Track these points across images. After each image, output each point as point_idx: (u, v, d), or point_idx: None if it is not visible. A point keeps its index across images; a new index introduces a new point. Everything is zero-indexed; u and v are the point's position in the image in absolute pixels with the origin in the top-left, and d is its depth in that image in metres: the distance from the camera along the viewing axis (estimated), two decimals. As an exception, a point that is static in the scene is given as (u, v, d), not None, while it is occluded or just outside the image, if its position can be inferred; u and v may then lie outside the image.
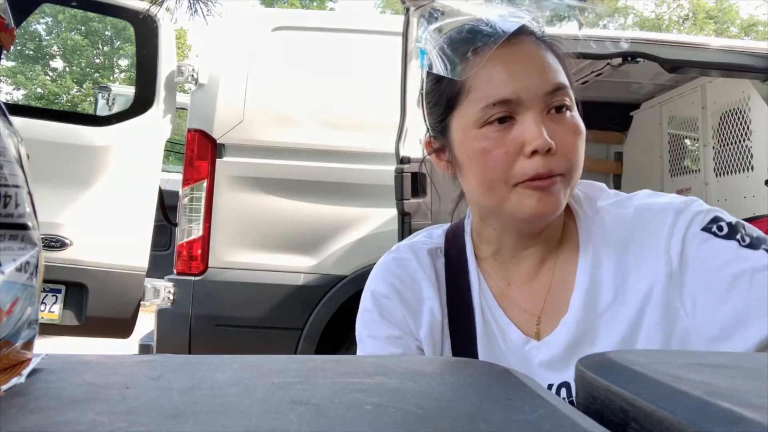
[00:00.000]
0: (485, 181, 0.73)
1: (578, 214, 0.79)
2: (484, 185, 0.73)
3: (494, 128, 0.71)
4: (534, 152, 0.69)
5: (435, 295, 0.80)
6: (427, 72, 0.77)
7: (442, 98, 0.76)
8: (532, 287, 0.79)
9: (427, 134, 0.82)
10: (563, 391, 0.73)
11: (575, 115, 0.73)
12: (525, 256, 0.79)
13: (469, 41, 0.74)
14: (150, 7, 2.38)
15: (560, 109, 0.72)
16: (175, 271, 2.50)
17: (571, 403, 0.61)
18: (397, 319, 0.79)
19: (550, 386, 0.73)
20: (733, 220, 0.72)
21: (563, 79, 0.73)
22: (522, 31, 0.74)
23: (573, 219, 0.80)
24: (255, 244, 2.52)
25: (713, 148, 2.97)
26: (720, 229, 0.70)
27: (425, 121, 0.81)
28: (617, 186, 3.62)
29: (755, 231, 0.71)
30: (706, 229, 0.71)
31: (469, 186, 0.77)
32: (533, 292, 0.79)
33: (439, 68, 0.74)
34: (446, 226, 0.88)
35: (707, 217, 0.72)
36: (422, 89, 0.81)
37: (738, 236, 0.69)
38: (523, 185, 0.71)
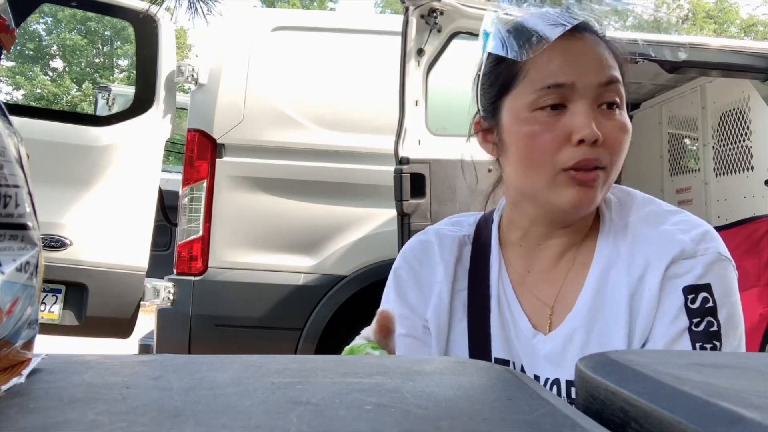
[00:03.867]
0: (530, 164, 0.75)
1: (604, 216, 0.80)
2: (529, 168, 0.75)
3: (545, 113, 0.73)
4: (581, 141, 0.71)
5: (447, 280, 0.83)
6: (488, 54, 0.80)
7: (499, 79, 0.78)
8: (549, 276, 0.81)
9: (477, 115, 0.84)
10: (554, 388, 0.75)
11: (624, 114, 0.75)
12: (550, 245, 0.81)
13: (535, 28, 0.76)
14: (149, 6, 2.38)
15: (611, 105, 0.74)
16: (175, 271, 2.50)
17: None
18: (410, 300, 0.85)
19: (547, 379, 0.76)
20: (715, 300, 0.71)
21: (618, 74, 0.75)
22: (584, 28, 0.76)
23: (598, 217, 0.81)
24: (255, 244, 2.52)
25: (713, 148, 2.97)
26: (693, 301, 0.71)
27: (477, 102, 0.84)
28: (617, 186, 3.61)
29: (730, 320, 0.70)
30: (687, 290, 0.71)
31: (511, 168, 0.79)
32: (550, 281, 0.81)
33: (504, 49, 0.76)
34: (479, 214, 0.90)
35: (701, 280, 0.71)
36: (479, 70, 0.83)
37: (698, 321, 0.70)
38: (567, 173, 0.72)
